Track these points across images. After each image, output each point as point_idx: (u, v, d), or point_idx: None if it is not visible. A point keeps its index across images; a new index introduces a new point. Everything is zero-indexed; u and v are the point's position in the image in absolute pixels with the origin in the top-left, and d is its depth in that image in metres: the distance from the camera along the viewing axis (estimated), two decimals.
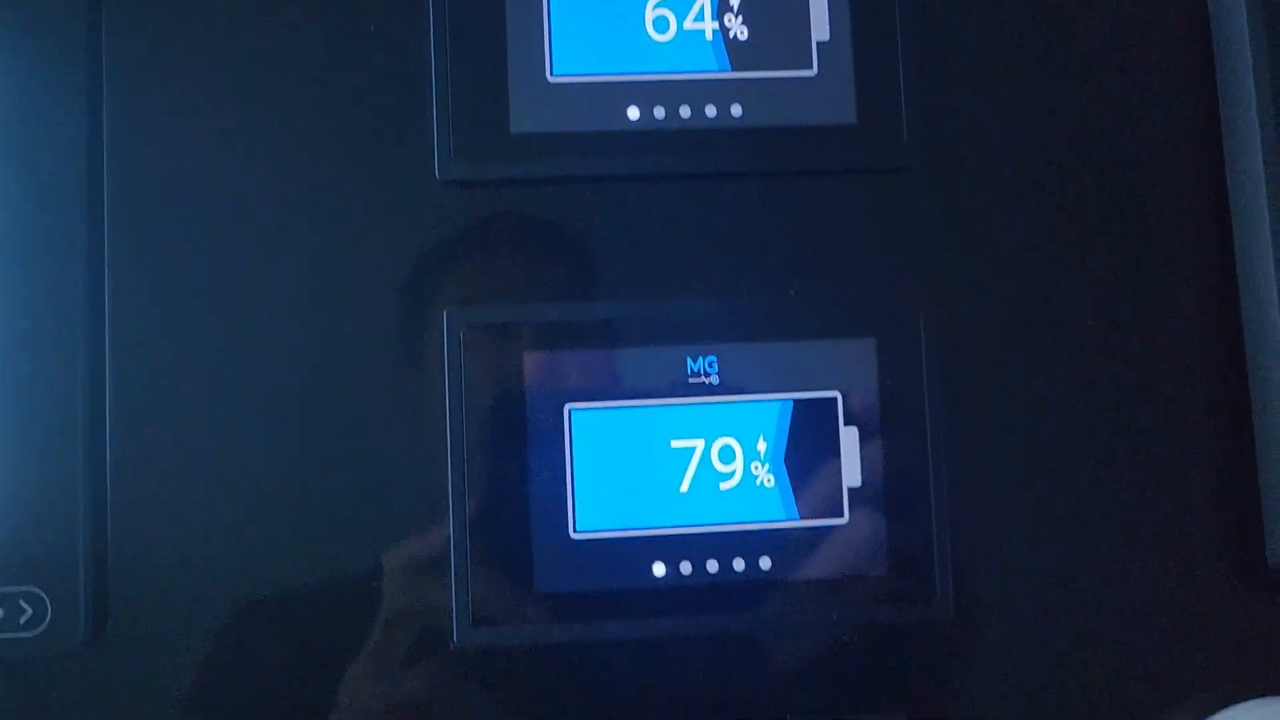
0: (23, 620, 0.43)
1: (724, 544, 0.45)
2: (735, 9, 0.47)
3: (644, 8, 0.47)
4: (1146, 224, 0.48)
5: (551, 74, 0.47)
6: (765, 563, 0.45)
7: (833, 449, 0.45)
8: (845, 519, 0.45)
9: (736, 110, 0.47)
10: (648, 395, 0.45)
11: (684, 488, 0.45)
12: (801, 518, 0.45)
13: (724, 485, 0.45)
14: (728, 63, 0.47)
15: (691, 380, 0.45)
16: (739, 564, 0.45)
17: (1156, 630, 0.46)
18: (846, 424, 0.45)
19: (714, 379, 0.45)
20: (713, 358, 0.45)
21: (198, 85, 0.46)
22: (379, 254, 0.46)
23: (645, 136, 0.47)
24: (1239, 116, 0.47)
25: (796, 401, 0.45)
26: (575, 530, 0.44)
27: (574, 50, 0.47)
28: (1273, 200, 0.45)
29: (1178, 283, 0.48)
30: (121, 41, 0.46)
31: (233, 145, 0.46)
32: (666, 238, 0.47)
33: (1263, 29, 0.46)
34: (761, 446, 0.45)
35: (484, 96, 0.46)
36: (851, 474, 0.45)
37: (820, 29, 0.47)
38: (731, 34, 0.47)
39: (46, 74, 0.45)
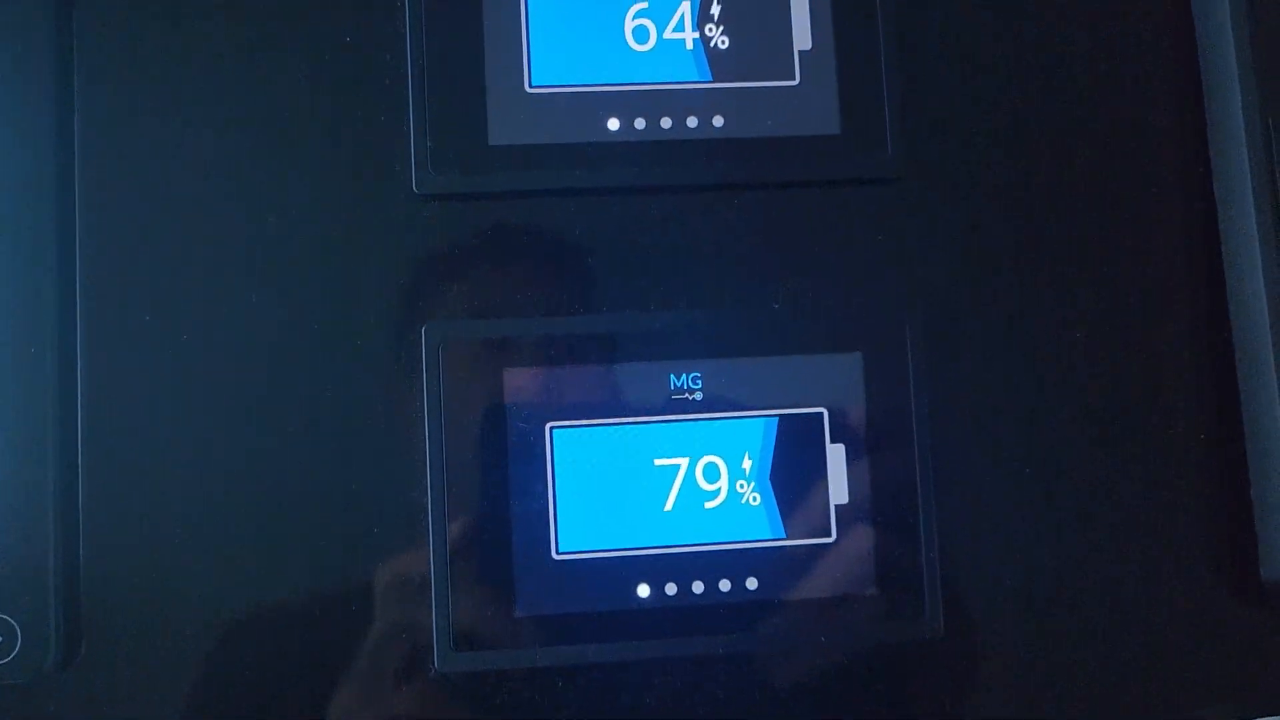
0: None
1: (709, 564, 0.44)
2: (716, 18, 0.47)
3: (623, 17, 0.46)
4: (1134, 233, 0.47)
5: (530, 84, 0.46)
6: (752, 583, 0.44)
7: (819, 466, 0.45)
8: (833, 537, 0.44)
9: (718, 121, 0.46)
10: (631, 413, 0.44)
11: (668, 507, 0.44)
12: (788, 536, 0.44)
13: (709, 504, 0.44)
14: (709, 72, 0.46)
15: (675, 397, 0.45)
16: (725, 584, 0.44)
17: (1150, 646, 0.46)
18: (833, 440, 0.45)
19: (698, 395, 0.45)
20: (697, 374, 0.45)
21: (172, 99, 0.45)
22: (356, 269, 0.45)
23: (626, 148, 0.46)
24: (1225, 126, 0.46)
25: (782, 418, 0.45)
26: (558, 551, 0.44)
27: (553, 60, 0.46)
28: (1260, 208, 0.45)
29: (1167, 294, 0.47)
30: (93, 52, 0.45)
31: (208, 157, 0.45)
32: (648, 251, 0.46)
33: (1248, 36, 0.46)
34: (747, 464, 0.44)
35: (461, 107, 0.45)
36: (839, 491, 0.44)
37: (802, 38, 0.47)
38: (712, 43, 0.46)
39: (15, 90, 0.44)
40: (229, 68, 0.46)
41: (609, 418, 0.44)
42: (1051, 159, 0.47)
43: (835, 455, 0.45)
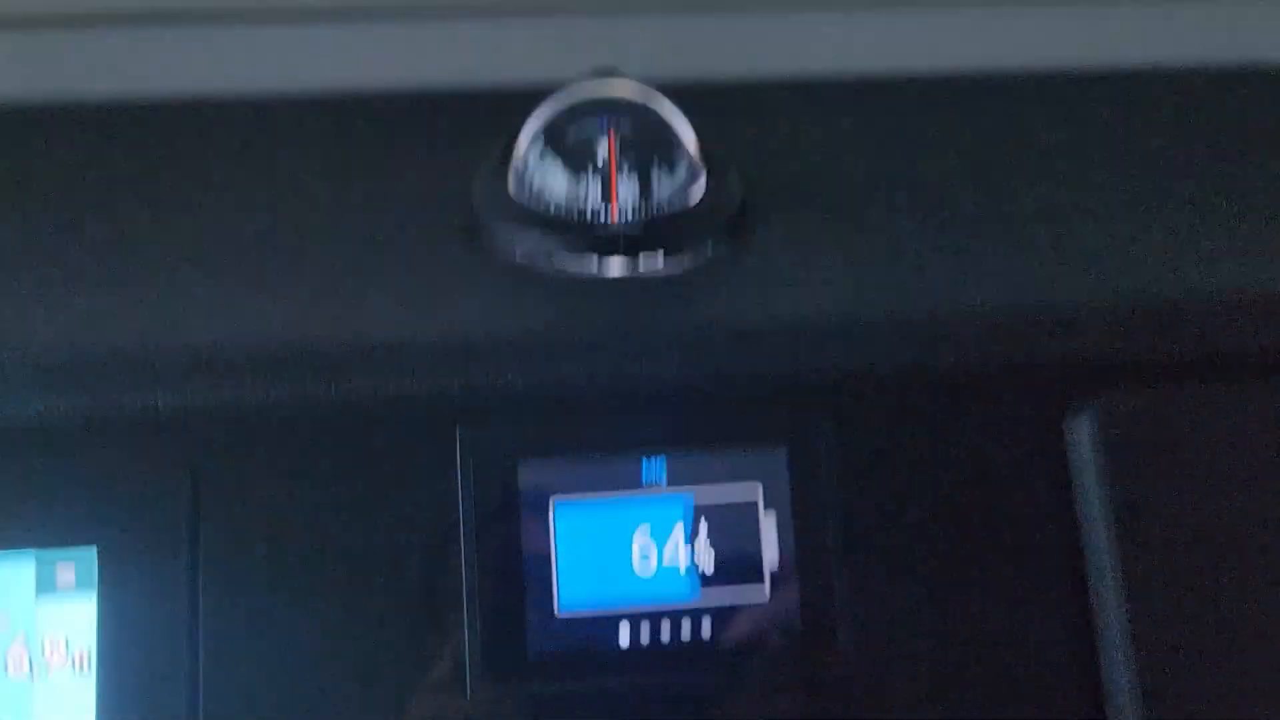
0: None
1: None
2: (703, 542, 0.60)
3: (630, 547, 0.59)
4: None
5: (559, 610, 0.59)
6: None
7: None
8: None
9: (705, 631, 0.59)
10: None
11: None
12: None
13: None
14: (699, 591, 0.59)
15: None
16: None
17: None
18: None
19: None
20: None
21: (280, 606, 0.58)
22: None
23: (635, 655, 0.58)
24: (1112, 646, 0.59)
25: None
26: None
27: (576, 591, 0.59)
28: None
29: None
30: (217, 556, 0.58)
31: (301, 663, 0.58)
32: None
33: (1119, 560, 0.58)
34: None
35: (505, 630, 0.58)
36: None
37: (771, 561, 0.59)
38: (701, 569, 0.59)
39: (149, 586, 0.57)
40: (322, 595, 0.59)
41: None
42: (975, 667, 0.60)
43: None
